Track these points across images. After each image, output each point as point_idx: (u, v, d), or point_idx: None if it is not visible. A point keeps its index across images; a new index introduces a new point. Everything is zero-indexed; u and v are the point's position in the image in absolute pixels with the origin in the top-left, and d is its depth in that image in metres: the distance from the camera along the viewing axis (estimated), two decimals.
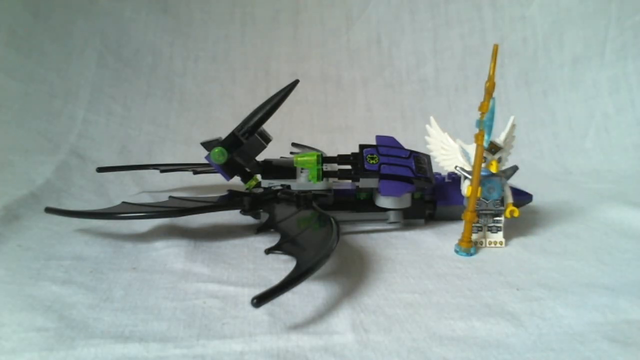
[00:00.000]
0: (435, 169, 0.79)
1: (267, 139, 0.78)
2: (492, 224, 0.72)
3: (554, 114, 1.42)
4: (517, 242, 0.73)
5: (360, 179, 0.76)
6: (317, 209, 0.69)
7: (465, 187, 0.69)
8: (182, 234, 0.74)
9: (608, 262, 0.66)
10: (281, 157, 0.88)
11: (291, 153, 1.03)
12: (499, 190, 0.71)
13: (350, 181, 0.82)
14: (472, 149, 0.68)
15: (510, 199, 0.72)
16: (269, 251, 0.58)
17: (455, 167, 0.72)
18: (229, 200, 0.77)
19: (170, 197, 0.80)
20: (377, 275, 0.61)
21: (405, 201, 0.76)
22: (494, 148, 0.69)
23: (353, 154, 0.80)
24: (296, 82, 0.77)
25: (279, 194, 0.76)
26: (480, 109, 0.63)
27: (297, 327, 0.49)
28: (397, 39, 1.50)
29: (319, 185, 0.77)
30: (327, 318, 0.51)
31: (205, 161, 0.77)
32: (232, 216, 0.82)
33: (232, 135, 0.75)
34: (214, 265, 0.64)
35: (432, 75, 1.49)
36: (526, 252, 0.70)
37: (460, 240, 0.69)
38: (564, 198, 0.98)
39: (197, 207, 0.71)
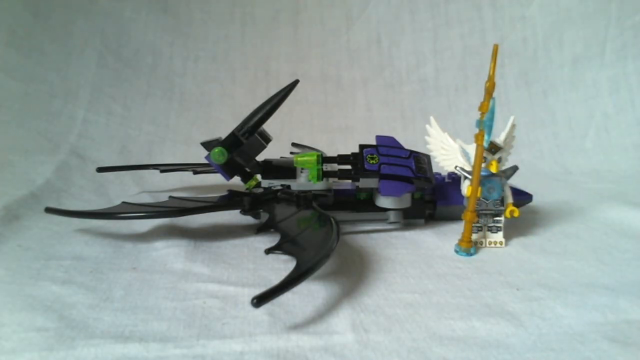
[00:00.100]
0: (435, 169, 0.79)
1: (267, 139, 0.78)
2: (492, 224, 0.72)
3: (554, 114, 1.42)
4: (517, 242, 0.73)
5: (360, 179, 0.76)
6: (317, 209, 0.69)
7: (465, 187, 0.69)
8: (182, 234, 0.74)
9: (608, 262, 0.66)
10: (281, 157, 0.88)
11: (291, 153, 1.02)
12: (499, 190, 0.71)
13: (350, 181, 0.82)
14: (472, 149, 0.68)
15: (510, 199, 0.72)
16: (269, 251, 0.58)
17: (455, 167, 0.72)
18: (229, 200, 0.77)
19: (170, 197, 0.80)
20: (377, 275, 0.61)
21: (405, 201, 0.76)
22: (494, 148, 0.69)
23: (353, 154, 0.80)
24: (296, 82, 0.77)
25: (279, 194, 0.76)
26: (480, 109, 0.63)
27: (297, 327, 0.49)
28: (397, 39, 1.50)
29: (319, 185, 0.77)
30: (327, 318, 0.51)
31: (205, 161, 0.77)
32: (232, 216, 0.82)
33: (232, 135, 0.75)
34: (214, 265, 0.64)
35: (432, 75, 1.49)
36: (526, 252, 0.70)
37: (460, 240, 0.69)
38: (564, 198, 0.98)
39: (197, 207, 0.71)
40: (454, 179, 0.83)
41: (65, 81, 1.23)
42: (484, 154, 0.66)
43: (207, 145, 0.76)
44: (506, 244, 0.72)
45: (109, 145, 1.19)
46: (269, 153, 0.81)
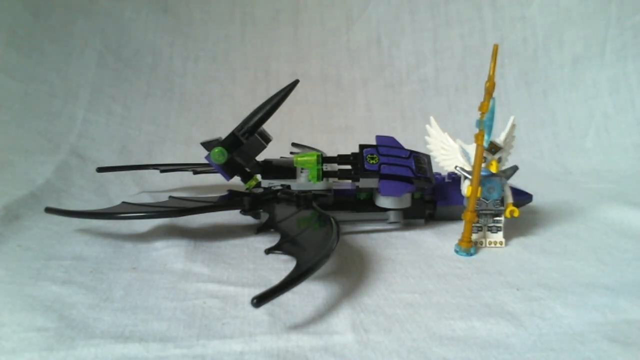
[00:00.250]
0: (435, 169, 0.79)
1: (267, 139, 0.78)
2: (492, 224, 0.72)
3: (554, 114, 1.42)
4: (517, 242, 0.73)
5: (360, 179, 0.76)
6: (317, 209, 0.69)
7: (465, 187, 0.69)
8: (182, 234, 0.74)
9: (608, 262, 0.66)
10: (281, 157, 0.88)
11: (291, 153, 1.02)
12: (499, 190, 0.71)
13: (350, 181, 0.82)
14: (472, 149, 0.68)
15: (510, 199, 0.72)
16: (269, 251, 0.58)
17: (455, 167, 0.72)
18: (229, 200, 0.77)
19: (170, 197, 0.80)
20: (377, 275, 0.61)
21: (405, 201, 0.76)
22: (494, 148, 0.69)
23: (353, 154, 0.80)
24: (296, 82, 0.77)
25: (279, 194, 0.76)
26: (480, 109, 0.63)
27: (297, 327, 0.49)
28: (397, 39, 1.50)
29: (319, 185, 0.77)
30: (327, 318, 0.51)
31: (205, 161, 0.77)
32: (232, 216, 0.82)
33: (232, 135, 0.75)
34: (214, 265, 0.64)
35: (432, 75, 1.49)
36: (526, 252, 0.70)
37: (460, 240, 0.69)
38: (564, 198, 0.98)
39: (197, 207, 0.71)
40: (454, 179, 0.83)
41: (65, 81, 1.23)
42: (484, 154, 0.66)
43: (207, 145, 0.76)
44: (506, 244, 0.72)
45: (109, 145, 1.19)
46: (269, 153, 0.81)
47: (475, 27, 1.49)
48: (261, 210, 0.77)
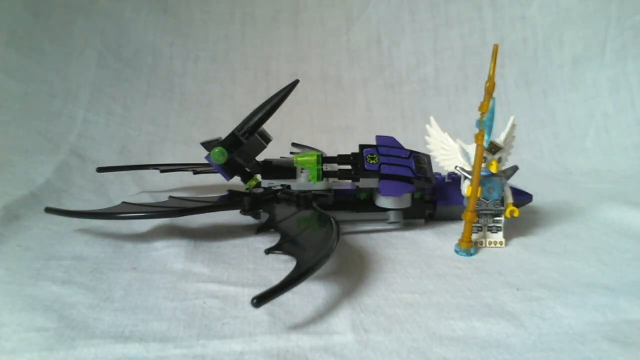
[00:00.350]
0: (435, 169, 0.79)
1: (267, 139, 0.78)
2: (492, 224, 0.72)
3: (554, 114, 1.42)
4: (517, 242, 0.73)
5: (360, 179, 0.76)
6: (317, 209, 0.69)
7: (465, 187, 0.69)
8: (182, 234, 0.74)
9: (608, 262, 0.66)
10: (281, 157, 0.88)
11: (291, 153, 1.02)
12: (499, 190, 0.71)
13: (350, 181, 0.82)
14: (472, 149, 0.68)
15: (510, 199, 0.72)
16: (269, 251, 0.58)
17: (455, 167, 0.72)
18: (229, 200, 0.77)
19: (170, 197, 0.80)
20: (377, 275, 0.61)
21: (405, 201, 0.76)
22: (494, 148, 0.69)
23: (353, 154, 0.80)
24: (296, 82, 0.77)
25: (279, 194, 0.76)
26: (480, 109, 0.63)
27: (297, 327, 0.49)
28: (397, 39, 1.50)
29: (319, 185, 0.77)
30: (327, 318, 0.51)
31: (205, 161, 0.77)
32: (232, 216, 0.82)
33: (232, 135, 0.75)
34: (214, 265, 0.64)
35: (432, 75, 1.49)
36: (526, 252, 0.70)
37: (460, 240, 0.69)
38: (564, 198, 0.98)
39: (197, 207, 0.71)
40: (454, 179, 0.83)
41: (65, 81, 1.23)
42: (484, 154, 0.66)
43: (207, 145, 0.76)
44: (506, 244, 0.72)
45: (109, 145, 1.19)
46: (269, 153, 0.81)
47: (475, 27, 1.49)
48: (261, 210, 0.77)
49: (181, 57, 1.41)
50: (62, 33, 1.26)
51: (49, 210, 0.74)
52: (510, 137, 0.73)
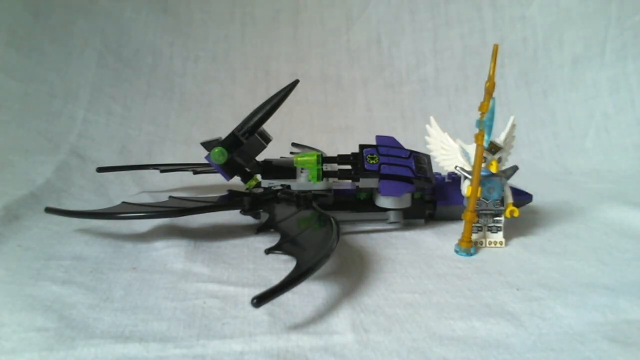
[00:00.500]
0: (435, 169, 0.79)
1: (267, 139, 0.78)
2: (492, 224, 0.72)
3: (554, 114, 1.42)
4: (517, 242, 0.73)
5: (360, 179, 0.76)
6: (317, 209, 0.69)
7: (465, 187, 0.69)
8: (182, 234, 0.74)
9: (608, 262, 0.66)
10: (281, 157, 0.88)
11: (291, 153, 1.02)
12: (499, 190, 0.71)
13: (350, 181, 0.82)
14: (472, 149, 0.68)
15: (510, 199, 0.72)
16: (269, 251, 0.58)
17: (455, 167, 0.72)
18: (229, 200, 0.77)
19: (170, 197, 0.80)
20: (377, 275, 0.61)
21: (405, 201, 0.76)
22: (494, 148, 0.69)
23: (353, 154, 0.80)
24: (296, 82, 0.77)
25: (279, 194, 0.76)
26: (480, 109, 0.63)
27: (297, 327, 0.49)
28: (397, 39, 1.50)
29: (319, 185, 0.77)
30: (327, 318, 0.51)
31: (205, 161, 0.77)
32: (232, 216, 0.82)
33: (232, 135, 0.75)
34: (214, 265, 0.64)
35: (432, 75, 1.49)
36: (526, 252, 0.70)
37: (460, 240, 0.69)
38: (564, 198, 0.98)
39: (197, 207, 0.71)
40: (454, 179, 0.83)
41: (65, 81, 1.23)
42: (484, 154, 0.66)
43: (207, 145, 0.76)
44: (506, 244, 0.72)
45: (109, 145, 1.19)
46: (269, 153, 0.81)
47: (475, 27, 1.49)
48: (261, 210, 0.77)
49: (181, 57, 1.41)
50: (62, 33, 1.26)
51: (49, 210, 0.74)
52: (510, 137, 0.73)
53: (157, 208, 0.71)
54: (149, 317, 0.50)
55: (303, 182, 0.78)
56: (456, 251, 0.69)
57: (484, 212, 0.71)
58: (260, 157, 0.80)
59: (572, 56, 1.44)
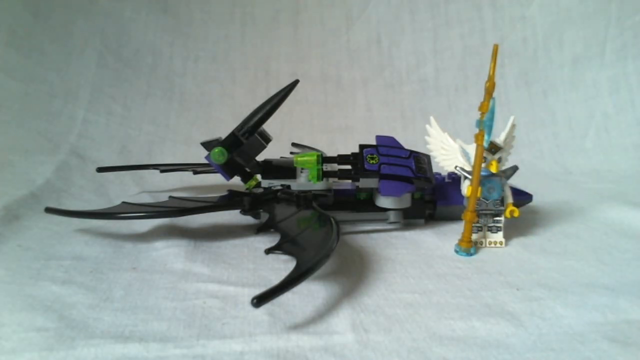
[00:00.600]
0: (435, 169, 0.79)
1: (267, 139, 0.78)
2: (492, 224, 0.72)
3: (554, 114, 1.42)
4: (517, 242, 0.73)
5: (360, 179, 0.76)
6: (317, 209, 0.69)
7: (465, 187, 0.69)
8: (182, 234, 0.74)
9: (608, 262, 0.66)
10: (281, 157, 0.88)
11: (291, 153, 1.03)
12: (499, 190, 0.71)
13: (350, 181, 0.82)
14: (472, 149, 0.68)
15: (510, 199, 0.72)
16: (269, 251, 0.58)
17: (455, 167, 0.72)
18: (229, 200, 0.77)
19: (170, 197, 0.80)
20: (377, 275, 0.61)
21: (405, 201, 0.76)
22: (494, 148, 0.69)
23: (353, 154, 0.80)
24: (296, 82, 0.77)
25: (279, 194, 0.76)
26: (480, 109, 0.63)
27: (297, 327, 0.49)
28: (397, 39, 1.50)
29: (319, 185, 0.77)
30: (327, 318, 0.51)
31: (205, 161, 0.77)
32: (232, 216, 0.82)
33: (232, 135, 0.75)
34: (214, 265, 0.64)
35: (432, 75, 1.49)
36: (526, 252, 0.70)
37: (460, 240, 0.69)
38: (564, 198, 0.98)
39: (197, 207, 0.71)
40: (454, 179, 0.83)
41: (65, 81, 1.23)
42: (484, 154, 0.66)
43: (207, 145, 0.76)
44: (506, 244, 0.72)
45: (109, 145, 1.19)
46: (269, 153, 0.81)
47: (475, 27, 1.49)
48: (261, 210, 0.77)
49: (181, 57, 1.41)
50: (62, 33, 1.26)
51: (49, 210, 0.74)
52: (510, 137, 0.73)
53: (157, 208, 0.71)
54: (149, 317, 0.50)
55: (303, 182, 0.78)
56: (456, 251, 0.69)
57: (484, 212, 0.71)
58: (260, 157, 0.80)
59: (572, 56, 1.44)
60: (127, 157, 1.17)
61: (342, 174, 0.79)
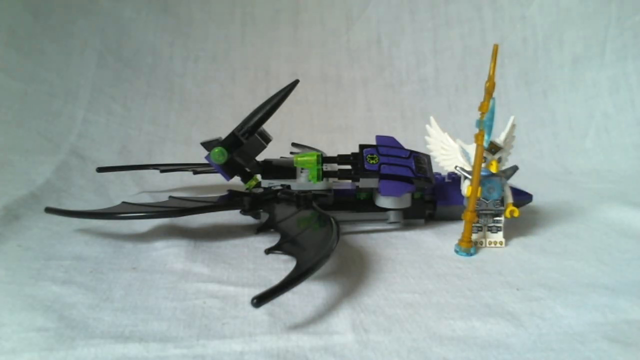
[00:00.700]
0: (435, 169, 0.79)
1: (267, 139, 0.78)
2: (492, 224, 0.72)
3: (554, 114, 1.42)
4: (517, 242, 0.73)
5: (360, 179, 0.76)
6: (317, 209, 0.69)
7: (465, 187, 0.69)
8: (182, 234, 0.74)
9: (608, 262, 0.66)
10: (281, 157, 0.88)
11: (291, 153, 1.03)
12: (499, 190, 0.71)
13: (350, 181, 0.82)
14: (472, 149, 0.68)
15: (510, 199, 0.72)
16: (269, 251, 0.58)
17: (455, 167, 0.72)
18: (229, 200, 0.77)
19: (170, 197, 0.80)
20: (377, 275, 0.61)
21: (405, 201, 0.76)
22: (494, 148, 0.69)
23: (353, 154, 0.80)
24: (296, 82, 0.77)
25: (279, 194, 0.76)
26: (480, 109, 0.63)
27: (297, 327, 0.49)
28: (397, 39, 1.50)
29: (319, 185, 0.77)
30: (327, 318, 0.51)
31: (205, 161, 0.77)
32: (232, 216, 0.82)
33: (232, 135, 0.75)
34: (214, 265, 0.64)
35: (432, 75, 1.49)
36: (526, 252, 0.70)
37: (460, 240, 0.69)
38: (564, 198, 0.98)
39: (197, 207, 0.71)
40: (454, 179, 0.83)
41: (65, 81, 1.23)
42: (484, 154, 0.66)
43: (207, 145, 0.76)
44: (506, 244, 0.72)
45: (109, 145, 1.19)
46: (269, 153, 0.81)
47: (475, 27, 1.49)
48: (261, 210, 0.77)
49: (181, 57, 1.41)
50: (62, 33, 1.26)
51: (49, 210, 0.74)
52: (510, 137, 0.73)
53: (157, 208, 0.71)
54: (149, 317, 0.50)
55: (303, 182, 0.78)
56: (456, 251, 0.69)
57: (484, 212, 0.71)
58: (260, 157, 0.80)
59: (572, 56, 1.44)
60: (127, 157, 1.17)
61: (342, 174, 0.79)
